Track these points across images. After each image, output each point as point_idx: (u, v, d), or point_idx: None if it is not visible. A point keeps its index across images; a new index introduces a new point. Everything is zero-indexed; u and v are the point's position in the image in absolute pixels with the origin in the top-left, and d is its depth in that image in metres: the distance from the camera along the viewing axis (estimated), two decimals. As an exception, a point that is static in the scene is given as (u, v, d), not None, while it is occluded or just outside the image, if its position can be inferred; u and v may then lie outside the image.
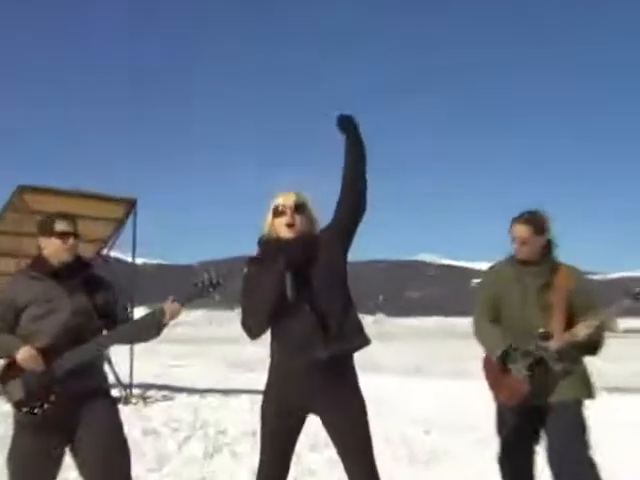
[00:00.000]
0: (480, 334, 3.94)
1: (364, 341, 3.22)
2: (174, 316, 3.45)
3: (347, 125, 3.23)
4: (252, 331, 3.21)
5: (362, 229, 3.31)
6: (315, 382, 3.12)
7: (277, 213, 3.26)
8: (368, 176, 3.26)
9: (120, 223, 11.21)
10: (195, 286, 3.43)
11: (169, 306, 3.43)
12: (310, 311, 3.11)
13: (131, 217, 10.87)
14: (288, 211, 3.24)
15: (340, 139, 3.27)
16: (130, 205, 10.78)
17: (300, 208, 3.26)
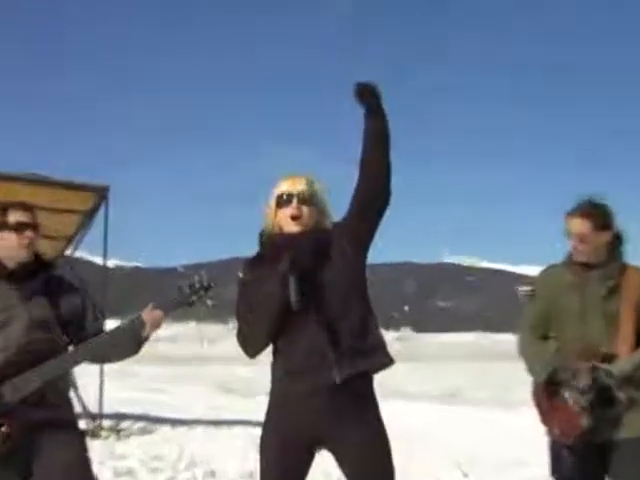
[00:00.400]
0: (526, 353, 3.93)
1: (386, 361, 3.21)
2: (156, 327, 3.44)
3: (368, 95, 3.18)
4: (250, 347, 3.22)
5: (384, 224, 3.29)
6: (326, 411, 3.11)
7: (281, 202, 3.26)
8: (392, 159, 3.24)
9: (88, 217, 11.22)
10: (181, 290, 3.43)
11: (149, 314, 3.42)
12: (320, 323, 3.10)
13: (102, 210, 10.86)
14: (294, 200, 3.23)
15: (359, 113, 3.25)
16: (100, 195, 10.73)
17: (309, 197, 3.25)
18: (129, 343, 3.48)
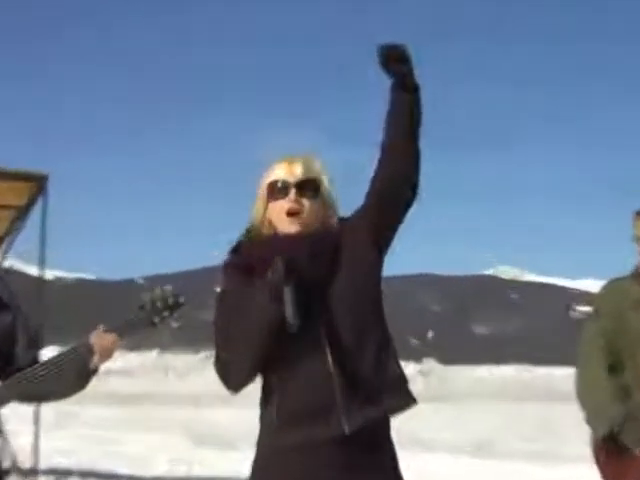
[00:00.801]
0: (584, 393, 3.94)
1: (409, 401, 3.21)
2: (107, 355, 3.43)
3: (396, 61, 3.14)
4: (231, 379, 3.18)
5: (405, 226, 3.29)
6: (331, 466, 3.10)
7: (274, 192, 3.22)
8: (422, 142, 3.22)
9: (21, 214, 11.21)
10: (141, 309, 3.41)
11: (99, 339, 3.41)
12: (325, 351, 3.08)
13: (39, 205, 10.86)
14: (291, 190, 3.19)
15: (382, 86, 3.24)
16: (37, 186, 10.73)
17: (311, 186, 3.22)
18: (72, 377, 3.47)
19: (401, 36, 3.12)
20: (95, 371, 3.46)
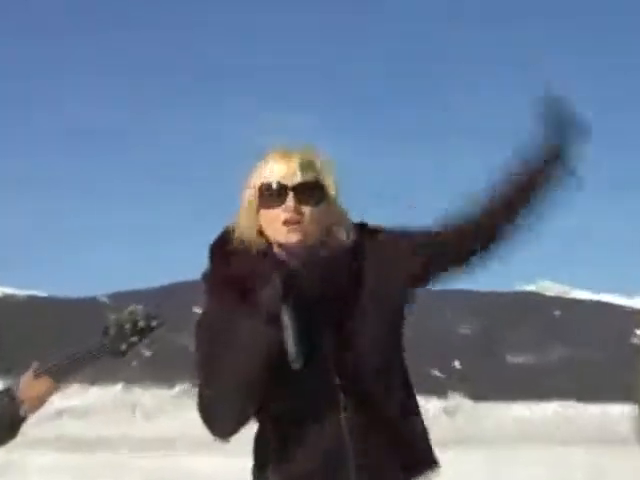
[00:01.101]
0: None
1: (431, 464, 3.16)
2: (38, 405, 3.39)
3: (561, 164, 3.20)
4: (218, 423, 3.07)
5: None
6: None
7: (267, 198, 3.06)
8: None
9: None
10: (105, 335, 3.37)
11: (27, 386, 3.36)
12: (335, 397, 3.01)
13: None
14: (289, 195, 3.03)
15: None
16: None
17: (313, 189, 3.07)
18: (5, 422, 3.41)
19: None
20: (23, 419, 3.41)
